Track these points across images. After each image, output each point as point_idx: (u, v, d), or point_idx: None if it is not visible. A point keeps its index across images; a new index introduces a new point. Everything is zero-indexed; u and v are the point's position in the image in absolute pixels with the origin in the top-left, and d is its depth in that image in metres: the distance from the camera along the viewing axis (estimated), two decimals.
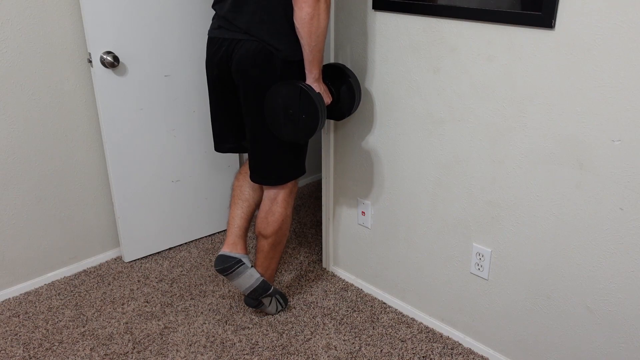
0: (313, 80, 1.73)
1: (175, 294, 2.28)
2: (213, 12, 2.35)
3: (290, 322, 2.11)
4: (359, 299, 2.25)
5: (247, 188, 2.04)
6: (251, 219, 2.07)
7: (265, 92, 1.74)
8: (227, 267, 1.95)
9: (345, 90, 1.89)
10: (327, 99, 1.80)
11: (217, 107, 1.94)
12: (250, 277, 1.98)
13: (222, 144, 2.00)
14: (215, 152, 2.57)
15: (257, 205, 2.06)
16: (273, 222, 1.95)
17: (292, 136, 1.76)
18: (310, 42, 1.64)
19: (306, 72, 1.72)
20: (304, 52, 1.68)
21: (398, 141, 1.97)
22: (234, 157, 2.68)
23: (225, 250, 1.99)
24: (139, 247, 2.51)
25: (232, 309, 2.18)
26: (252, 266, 2.00)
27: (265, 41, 1.69)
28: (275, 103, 1.72)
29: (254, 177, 1.91)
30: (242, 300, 2.23)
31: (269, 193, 1.94)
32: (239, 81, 1.78)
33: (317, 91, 1.72)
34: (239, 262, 1.96)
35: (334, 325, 2.09)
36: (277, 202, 1.93)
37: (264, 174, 1.89)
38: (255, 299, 2.06)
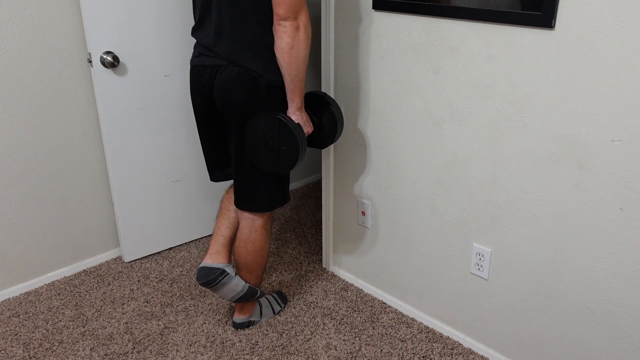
0: (295, 109, 1.70)
1: (175, 294, 2.28)
2: None
3: (290, 322, 2.11)
4: (359, 299, 2.25)
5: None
6: (236, 231, 2.00)
7: (249, 117, 1.71)
8: (210, 279, 1.89)
9: (327, 119, 1.88)
10: (309, 128, 1.78)
11: (204, 136, 1.91)
12: (237, 286, 1.93)
13: (213, 173, 1.98)
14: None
15: None
16: (253, 251, 1.91)
17: (272, 167, 1.74)
18: (291, 71, 1.62)
19: (288, 100, 1.69)
20: (285, 82, 1.65)
21: (398, 141, 1.97)
22: None
23: (207, 261, 1.93)
24: (139, 247, 2.51)
25: (232, 309, 2.18)
26: (236, 274, 1.95)
27: (246, 67, 1.66)
28: (255, 134, 1.70)
29: (239, 204, 1.87)
30: None
31: (247, 221, 1.89)
32: (222, 107, 1.75)
33: (296, 122, 1.69)
34: (222, 272, 1.90)
35: (334, 325, 2.09)
36: (255, 229, 1.89)
37: (249, 200, 1.85)
38: (244, 323, 2.05)
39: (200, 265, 1.93)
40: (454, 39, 1.70)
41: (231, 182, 2.49)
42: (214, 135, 1.89)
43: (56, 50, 2.14)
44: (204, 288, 1.95)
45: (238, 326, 2.06)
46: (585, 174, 1.52)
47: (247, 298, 1.97)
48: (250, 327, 2.07)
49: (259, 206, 1.85)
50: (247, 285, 1.96)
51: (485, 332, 1.92)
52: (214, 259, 1.93)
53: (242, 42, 1.66)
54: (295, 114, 1.71)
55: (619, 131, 1.43)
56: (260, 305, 2.11)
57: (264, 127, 1.68)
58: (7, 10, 1.99)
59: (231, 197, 1.98)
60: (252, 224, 1.89)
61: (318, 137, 1.91)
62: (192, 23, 2.32)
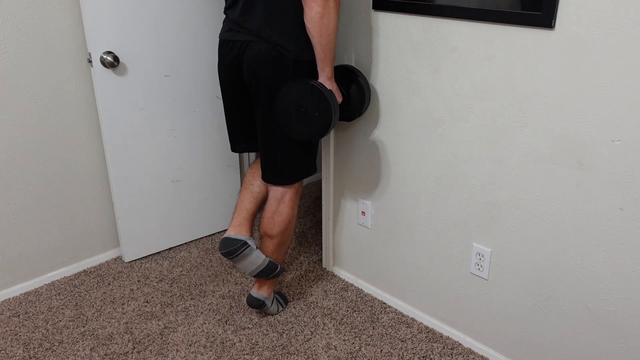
0: (326, 78, 1.74)
1: (175, 294, 2.28)
2: (213, 12, 2.36)
3: (290, 322, 2.11)
4: (359, 299, 2.25)
5: (260, 178, 2.03)
6: (260, 206, 2.03)
7: (276, 93, 1.75)
8: (232, 250, 1.92)
9: (355, 90, 1.90)
10: (339, 98, 1.81)
11: (230, 109, 1.95)
12: (257, 258, 1.95)
13: (236, 144, 2.02)
14: (216, 152, 2.58)
15: (267, 195, 2.06)
16: (280, 222, 1.94)
17: (305, 135, 1.75)
18: (322, 40, 1.65)
19: (319, 70, 1.73)
20: (316, 51, 1.69)
21: (398, 141, 1.97)
22: (234, 157, 2.68)
23: (230, 232, 1.96)
24: (139, 247, 2.51)
25: (232, 309, 2.18)
26: (257, 247, 1.97)
27: (275, 42, 1.71)
28: (286, 102, 1.72)
29: (266, 177, 1.92)
30: (242, 300, 2.23)
31: (276, 193, 1.93)
32: (250, 82, 1.79)
33: (329, 88, 1.72)
34: (244, 244, 1.93)
35: (334, 325, 2.09)
36: (284, 201, 1.93)
37: (277, 173, 1.89)
38: (258, 300, 2.05)
39: (224, 236, 1.96)
40: (454, 39, 1.70)
41: (238, 168, 2.50)
42: (241, 109, 1.93)
43: (56, 50, 2.14)
44: (227, 259, 1.97)
45: (252, 300, 2.06)
46: (585, 174, 1.52)
47: (268, 273, 1.99)
48: (262, 309, 2.08)
49: (286, 179, 1.90)
50: (268, 259, 1.98)
51: (485, 332, 1.92)
52: (237, 230, 1.96)
53: (271, 18, 1.70)
54: (326, 83, 1.74)
55: (619, 131, 1.43)
56: (273, 297, 2.11)
57: (296, 94, 1.71)
58: (7, 10, 1.99)
59: (255, 172, 2.03)
60: (281, 196, 1.92)
61: (346, 109, 1.93)
62: (193, 23, 2.33)
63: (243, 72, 1.79)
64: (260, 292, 2.06)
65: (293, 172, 1.90)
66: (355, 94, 1.91)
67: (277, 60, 1.72)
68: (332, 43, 1.67)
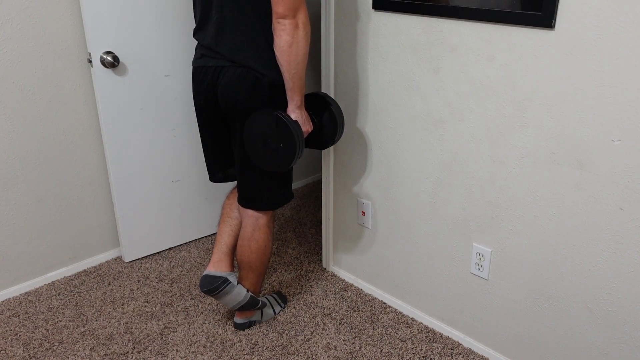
0: (295, 107, 1.70)
1: (175, 294, 2.28)
2: None
3: (290, 322, 2.11)
4: (359, 299, 2.25)
5: (237, 207, 2.01)
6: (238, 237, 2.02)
7: None
8: (213, 288, 1.91)
9: (328, 119, 1.88)
10: (308, 127, 1.78)
11: (206, 136, 1.92)
12: (238, 295, 1.95)
13: (214, 173, 1.99)
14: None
15: None
16: (257, 249, 1.92)
17: (271, 165, 1.74)
18: (290, 69, 1.62)
19: (288, 99, 1.70)
20: (285, 80, 1.66)
21: (398, 141, 1.97)
22: None
23: (210, 269, 1.94)
24: (139, 247, 2.51)
25: (232, 309, 2.18)
26: (238, 282, 1.97)
27: (249, 67, 1.67)
28: (253, 132, 1.70)
29: (243, 202, 1.89)
30: None
31: (250, 220, 1.90)
32: (226, 108, 1.76)
33: (293, 119, 1.69)
34: (225, 281, 1.92)
35: (334, 325, 2.09)
36: (258, 227, 1.90)
37: (253, 199, 1.86)
38: (244, 323, 2.06)
39: (204, 274, 1.95)
40: (454, 39, 1.70)
41: (232, 185, 2.49)
42: (217, 136, 1.89)
43: (56, 50, 2.14)
44: (209, 296, 1.98)
45: (239, 327, 2.06)
46: (585, 174, 1.52)
47: (248, 308, 2.00)
48: (251, 327, 2.07)
49: (263, 205, 1.87)
50: (249, 295, 1.97)
51: (485, 332, 1.92)
52: (217, 267, 1.95)
53: (244, 42, 1.67)
54: (295, 112, 1.71)
55: (619, 131, 1.43)
56: (260, 309, 2.11)
57: (262, 125, 1.69)
58: (7, 10, 1.99)
59: (232, 202, 2.00)
60: (255, 222, 1.90)
61: (319, 137, 1.91)
62: (193, 23, 2.33)
63: (218, 98, 1.76)
64: (243, 316, 2.06)
65: (269, 199, 1.87)
66: (328, 123, 1.88)
67: (253, 84, 1.69)
68: (300, 72, 1.64)
